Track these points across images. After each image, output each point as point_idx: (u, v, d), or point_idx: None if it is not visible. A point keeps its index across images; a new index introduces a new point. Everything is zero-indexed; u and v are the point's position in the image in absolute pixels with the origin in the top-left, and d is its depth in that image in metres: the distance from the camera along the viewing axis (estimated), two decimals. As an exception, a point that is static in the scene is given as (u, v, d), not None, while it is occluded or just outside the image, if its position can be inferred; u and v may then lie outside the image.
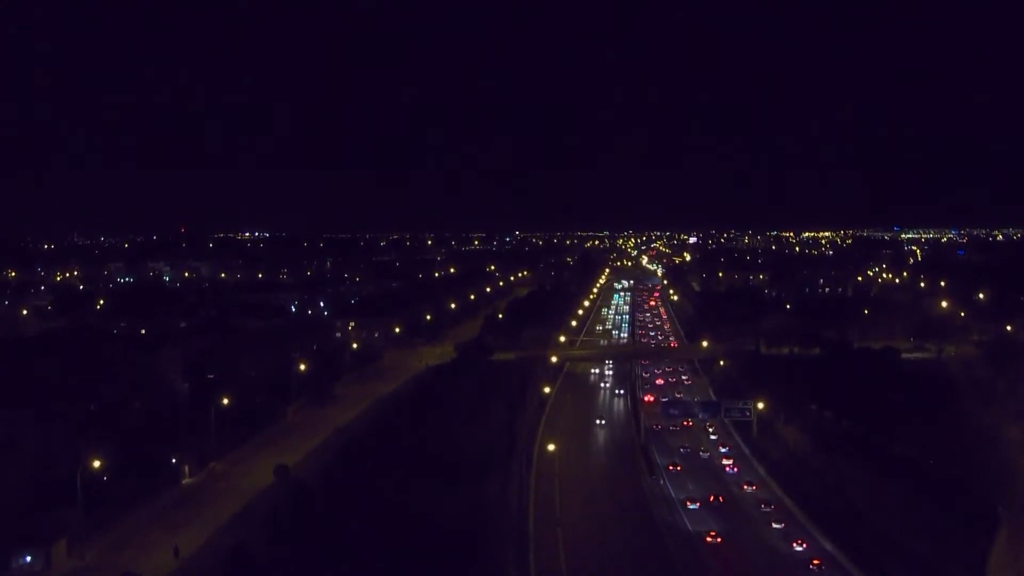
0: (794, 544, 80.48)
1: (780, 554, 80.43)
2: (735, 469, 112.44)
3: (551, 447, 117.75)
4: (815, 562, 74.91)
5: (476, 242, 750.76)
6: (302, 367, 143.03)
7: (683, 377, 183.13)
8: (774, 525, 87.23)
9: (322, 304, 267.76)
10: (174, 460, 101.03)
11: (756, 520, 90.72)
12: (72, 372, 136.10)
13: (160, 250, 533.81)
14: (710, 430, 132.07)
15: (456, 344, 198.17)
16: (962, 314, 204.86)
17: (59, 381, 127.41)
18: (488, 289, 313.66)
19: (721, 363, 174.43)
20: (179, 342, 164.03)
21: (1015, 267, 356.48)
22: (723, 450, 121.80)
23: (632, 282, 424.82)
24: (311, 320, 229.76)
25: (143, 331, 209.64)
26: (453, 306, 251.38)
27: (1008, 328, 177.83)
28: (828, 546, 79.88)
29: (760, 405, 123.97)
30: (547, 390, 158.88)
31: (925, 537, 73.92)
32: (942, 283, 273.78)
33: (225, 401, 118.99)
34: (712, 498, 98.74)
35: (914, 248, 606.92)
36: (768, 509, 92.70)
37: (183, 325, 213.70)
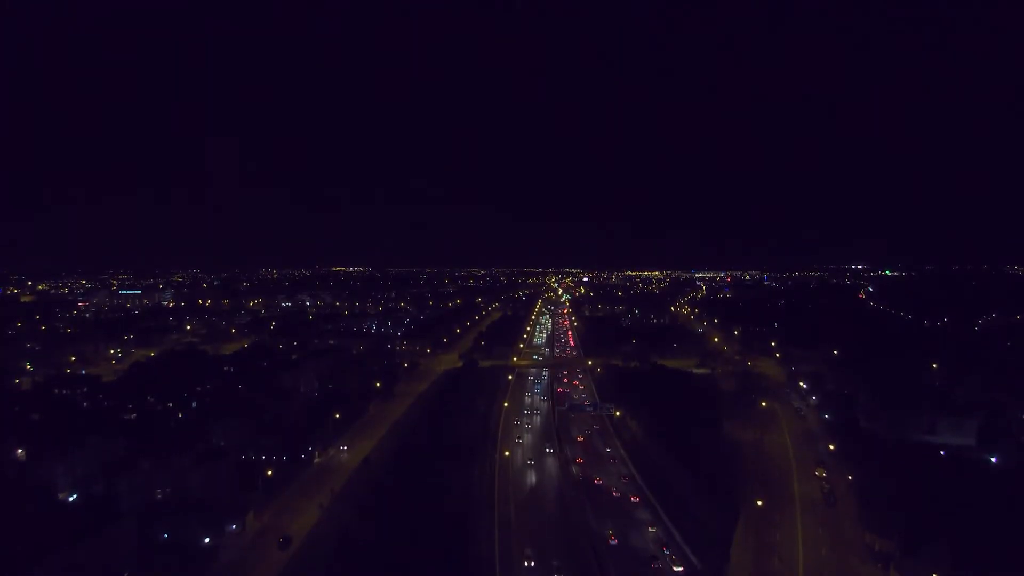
0: (622, 478, 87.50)
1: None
2: (603, 441, 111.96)
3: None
4: (634, 499, 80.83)
5: (471, 280, 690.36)
6: (377, 384, 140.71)
7: (579, 374, 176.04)
8: (612, 467, 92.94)
9: (390, 323, 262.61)
10: (311, 448, 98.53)
11: (608, 465, 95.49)
12: (254, 384, 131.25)
13: (304, 284, 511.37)
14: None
15: (460, 354, 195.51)
16: (725, 347, 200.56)
17: (246, 396, 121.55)
18: (476, 317, 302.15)
19: (599, 370, 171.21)
20: (312, 360, 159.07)
21: (758, 304, 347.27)
22: (596, 427, 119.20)
23: (553, 307, 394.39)
24: (383, 338, 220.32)
25: (295, 343, 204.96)
26: (458, 330, 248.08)
27: (749, 361, 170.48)
28: (642, 484, 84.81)
29: (617, 413, 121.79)
30: (509, 377, 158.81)
31: (697, 495, 76.17)
32: (715, 320, 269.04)
33: (336, 402, 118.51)
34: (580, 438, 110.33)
35: (701, 286, 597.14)
36: (613, 462, 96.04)
37: (315, 341, 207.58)
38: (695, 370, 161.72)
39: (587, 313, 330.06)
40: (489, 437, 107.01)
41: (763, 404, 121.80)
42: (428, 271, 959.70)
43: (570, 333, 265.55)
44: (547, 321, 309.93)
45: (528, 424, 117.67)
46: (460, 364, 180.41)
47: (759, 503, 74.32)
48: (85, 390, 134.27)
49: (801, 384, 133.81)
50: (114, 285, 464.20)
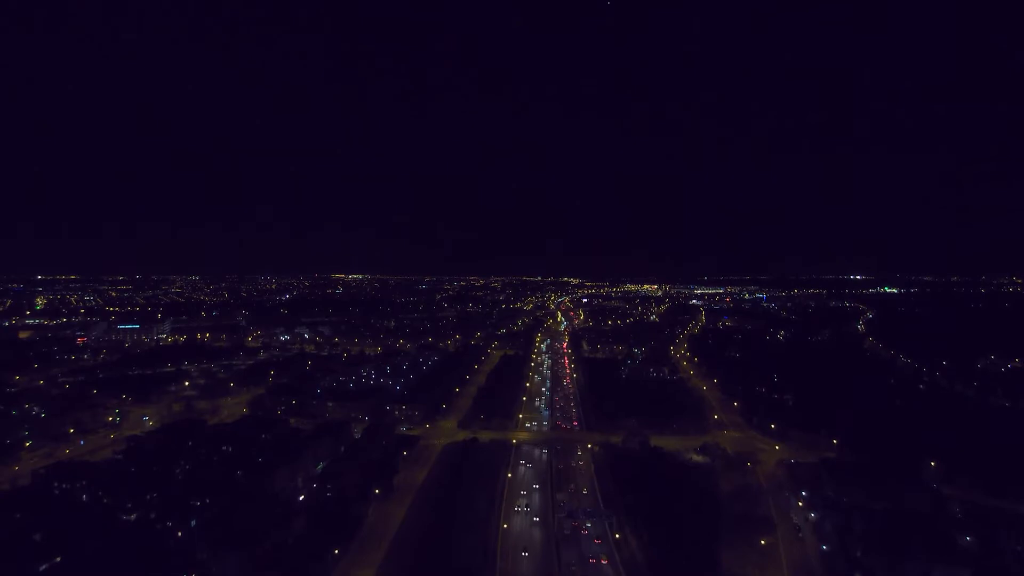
0: None
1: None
2: (598, 541, 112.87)
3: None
4: None
5: (470, 304, 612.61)
6: (376, 491, 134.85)
7: (579, 458, 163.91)
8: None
9: (389, 371, 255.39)
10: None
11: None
12: (251, 487, 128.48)
13: (302, 304, 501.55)
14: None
15: (458, 422, 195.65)
16: (725, 431, 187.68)
17: (245, 519, 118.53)
18: (475, 367, 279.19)
19: (597, 449, 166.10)
20: (311, 448, 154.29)
21: (758, 340, 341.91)
22: (597, 541, 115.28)
23: (551, 340, 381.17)
24: (383, 398, 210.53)
25: (294, 402, 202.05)
26: (457, 389, 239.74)
27: (748, 460, 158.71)
28: None
29: (617, 536, 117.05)
30: (508, 475, 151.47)
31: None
32: (715, 379, 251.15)
33: (336, 512, 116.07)
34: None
35: (701, 309, 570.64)
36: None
37: (314, 403, 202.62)
38: (694, 457, 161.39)
39: (587, 352, 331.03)
40: (489, 559, 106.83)
41: (763, 526, 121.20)
42: (428, 279, 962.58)
43: (570, 384, 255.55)
44: (547, 367, 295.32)
45: (526, 551, 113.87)
46: (460, 437, 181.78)
47: None
48: (84, 483, 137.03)
49: (800, 499, 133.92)
50: (112, 316, 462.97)
